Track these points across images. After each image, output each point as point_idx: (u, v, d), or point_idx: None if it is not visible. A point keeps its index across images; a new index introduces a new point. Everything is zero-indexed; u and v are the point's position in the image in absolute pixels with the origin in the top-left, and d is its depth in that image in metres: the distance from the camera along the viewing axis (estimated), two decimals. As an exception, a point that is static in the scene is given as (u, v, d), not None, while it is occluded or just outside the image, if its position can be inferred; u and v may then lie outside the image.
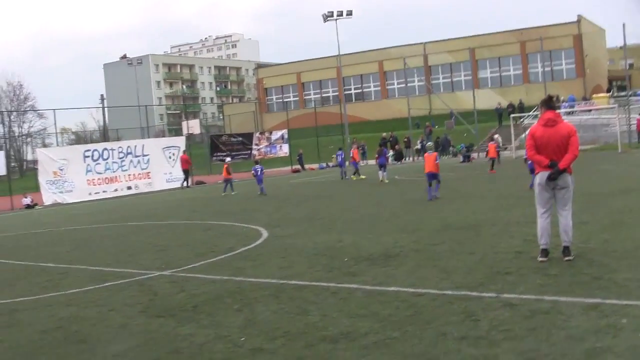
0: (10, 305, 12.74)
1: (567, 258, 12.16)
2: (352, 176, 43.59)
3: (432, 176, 26.11)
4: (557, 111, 12.86)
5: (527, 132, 53.31)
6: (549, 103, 12.74)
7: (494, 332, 8.26)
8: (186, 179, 52.19)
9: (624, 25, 59.66)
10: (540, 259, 12.29)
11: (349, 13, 73.84)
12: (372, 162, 49.53)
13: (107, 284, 13.91)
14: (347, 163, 46.75)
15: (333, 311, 10.03)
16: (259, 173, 37.73)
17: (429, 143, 31.93)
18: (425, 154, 27.61)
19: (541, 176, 12.37)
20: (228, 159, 44.82)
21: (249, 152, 60.68)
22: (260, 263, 14.81)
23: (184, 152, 53.30)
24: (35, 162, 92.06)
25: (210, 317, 10.42)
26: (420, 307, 9.83)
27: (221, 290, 12.27)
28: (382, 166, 38.75)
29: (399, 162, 64.87)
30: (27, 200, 46.26)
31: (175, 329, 9.91)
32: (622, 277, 10.58)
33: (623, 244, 13.53)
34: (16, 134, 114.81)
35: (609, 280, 10.49)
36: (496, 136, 47.70)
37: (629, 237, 14.28)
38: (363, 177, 42.99)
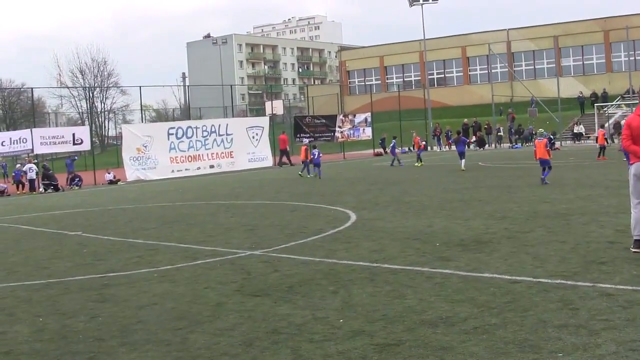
0: (102, 280, 12.90)
1: (659, 250, 12.15)
2: (415, 164, 43.43)
3: (544, 162, 26.90)
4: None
5: (609, 122, 52.83)
6: (647, 94, 12.67)
7: (593, 322, 8.32)
8: (287, 156, 54.78)
9: None
10: (634, 249, 12.26)
11: (436, -1, 73.59)
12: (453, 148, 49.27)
13: (198, 262, 14.12)
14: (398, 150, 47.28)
15: (430, 295, 10.15)
16: (316, 156, 38.19)
17: (540, 130, 31.88)
18: (536, 141, 28.39)
19: (636, 167, 12.30)
20: (306, 140, 44.91)
21: (332, 134, 60.71)
22: (352, 245, 14.94)
23: (283, 132, 55.93)
24: (116, 138, 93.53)
25: (306, 298, 10.54)
26: (516, 294, 9.92)
27: (315, 272, 12.42)
28: (461, 154, 37.92)
29: (482, 149, 64.47)
30: (109, 176, 46.97)
31: (272, 308, 10.02)
32: None
33: None
34: (98, 110, 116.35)
35: None
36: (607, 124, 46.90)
37: None
38: (420, 164, 43.34)
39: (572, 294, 9.74)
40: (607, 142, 45.09)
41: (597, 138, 43.55)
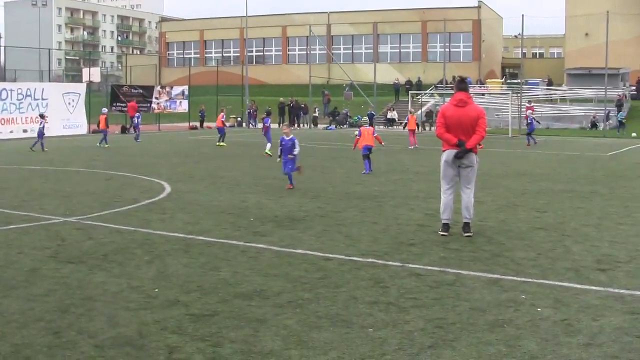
0: None
1: (467, 234, 12.69)
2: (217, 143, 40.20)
3: (368, 149, 25.34)
4: (468, 92, 13.26)
5: (422, 109, 54.16)
6: (462, 84, 13.14)
7: (402, 300, 8.68)
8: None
9: (522, 16, 61.14)
10: (442, 232, 12.80)
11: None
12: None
13: (11, 227, 13.83)
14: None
15: (244, 269, 10.31)
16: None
17: (365, 117, 31.05)
18: (362, 127, 26.49)
19: (448, 154, 12.83)
20: (105, 109, 43.89)
21: (149, 104, 60.03)
22: (167, 217, 14.95)
23: (134, 100, 56.00)
24: None
25: (121, 266, 10.54)
26: (329, 270, 10.20)
27: (129, 241, 12.40)
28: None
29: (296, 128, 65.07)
30: None
31: (87, 276, 9.98)
32: (518, 256, 11.19)
33: (518, 224, 14.22)
34: None
35: (507, 258, 11.09)
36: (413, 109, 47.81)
37: (524, 218, 14.99)
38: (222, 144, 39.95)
39: (383, 272, 10.09)
40: (418, 128, 46.39)
41: (406, 124, 44.71)
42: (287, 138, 20.34)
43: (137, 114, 46.97)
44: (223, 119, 40.75)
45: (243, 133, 53.93)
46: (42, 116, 38.47)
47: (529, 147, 39.53)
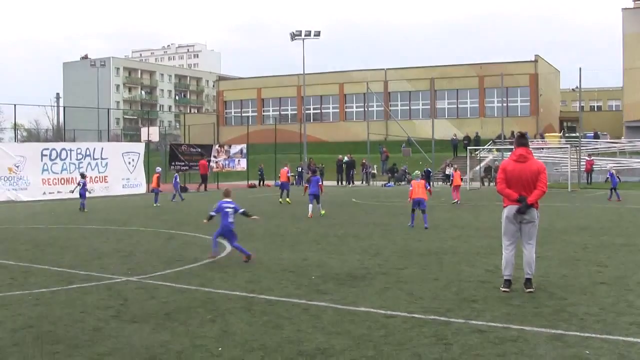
0: (-27, 301, 12.58)
1: (529, 290, 12.62)
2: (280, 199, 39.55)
3: (420, 202, 25.50)
4: (529, 148, 13.24)
5: (481, 165, 54.08)
6: (522, 140, 13.15)
7: (465, 356, 8.65)
8: (203, 182, 57.26)
9: (580, 69, 60.81)
10: (504, 289, 12.74)
11: (317, 34, 73.92)
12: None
13: (73, 286, 13.96)
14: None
15: (307, 327, 10.32)
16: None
17: (416, 171, 30.44)
18: (413, 181, 26.60)
19: (509, 209, 12.84)
20: (159, 168, 44.22)
21: (208, 163, 60.69)
22: (228, 275, 15.01)
23: (204, 158, 58.83)
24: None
25: (184, 325, 10.58)
26: (391, 328, 10.18)
27: (192, 300, 12.47)
28: (314, 197, 31.31)
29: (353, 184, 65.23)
30: (-22, 196, 45.85)
31: (151, 335, 10.04)
32: (581, 311, 11.10)
33: (580, 279, 14.10)
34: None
35: (570, 313, 10.99)
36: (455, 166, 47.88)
37: (585, 273, 14.85)
38: (288, 200, 39.01)
39: (446, 329, 10.06)
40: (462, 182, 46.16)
41: (452, 179, 44.75)
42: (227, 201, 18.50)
43: (175, 174, 47.75)
44: (289, 174, 40.97)
45: (301, 191, 53.99)
46: (82, 176, 38.86)
47: (611, 201, 38.90)
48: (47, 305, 12.26)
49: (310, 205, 31.01)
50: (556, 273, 14.81)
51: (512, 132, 64.49)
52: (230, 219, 17.89)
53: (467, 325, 10.24)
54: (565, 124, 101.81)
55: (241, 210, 18.28)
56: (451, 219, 28.94)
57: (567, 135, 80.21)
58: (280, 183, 38.39)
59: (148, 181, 53.59)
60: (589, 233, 22.92)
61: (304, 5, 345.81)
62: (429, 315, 10.98)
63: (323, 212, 30.65)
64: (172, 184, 45.75)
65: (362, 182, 68.97)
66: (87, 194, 37.04)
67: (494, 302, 11.86)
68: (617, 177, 42.09)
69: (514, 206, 12.74)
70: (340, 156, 69.75)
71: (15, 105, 51.55)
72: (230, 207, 17.96)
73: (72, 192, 43.71)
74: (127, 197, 49.32)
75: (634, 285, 13.50)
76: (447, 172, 67.21)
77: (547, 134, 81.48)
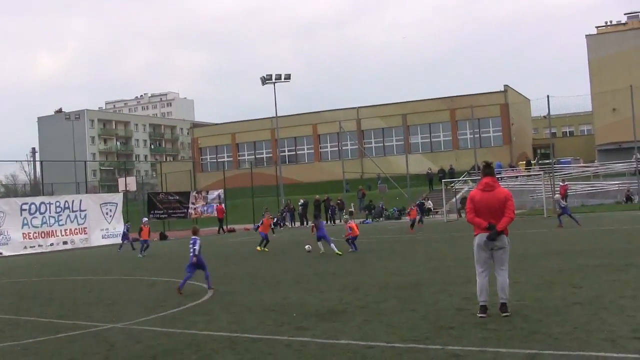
0: (-39, 355, 12.77)
1: (504, 314, 12.94)
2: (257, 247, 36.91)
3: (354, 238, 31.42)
4: (495, 177, 13.63)
5: (457, 197, 54.68)
6: (487, 169, 13.53)
7: (442, 379, 8.97)
8: (221, 226, 60.15)
9: (547, 97, 61.65)
10: (480, 314, 13.06)
11: (287, 77, 74.68)
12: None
13: (61, 335, 14.15)
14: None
15: (289, 362, 10.61)
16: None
17: (350, 209, 33.26)
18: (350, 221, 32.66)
19: (480, 237, 13.22)
20: (145, 219, 43.88)
21: (186, 210, 61.01)
22: (211, 317, 15.23)
23: (220, 203, 62.50)
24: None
25: (169, 367, 10.82)
26: (371, 358, 10.49)
27: (177, 342, 12.69)
28: (322, 238, 31.98)
29: (333, 223, 65.47)
30: (-41, 252, 45.96)
31: (138, 378, 10.29)
32: (556, 331, 11.42)
33: (554, 301, 14.42)
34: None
35: (544, 334, 11.31)
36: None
37: (559, 295, 15.18)
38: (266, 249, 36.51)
39: (424, 356, 10.38)
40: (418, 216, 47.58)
41: (409, 212, 46.95)
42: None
43: (126, 225, 48.14)
44: (272, 226, 41.23)
45: (279, 233, 54.23)
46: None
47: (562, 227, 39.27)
48: (36, 354, 12.47)
49: (319, 243, 31.88)
50: (531, 296, 15.15)
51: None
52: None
53: (444, 351, 10.53)
54: (538, 151, 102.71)
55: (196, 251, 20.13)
56: (428, 252, 29.29)
57: (540, 162, 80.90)
58: (263, 234, 36.80)
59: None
60: (564, 257, 23.30)
61: (274, 48, 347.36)
62: (407, 343, 11.27)
63: (338, 252, 30.14)
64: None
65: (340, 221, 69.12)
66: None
67: (471, 328, 12.16)
68: (563, 204, 42.28)
69: (484, 234, 13.11)
70: (317, 196, 70.03)
71: (-10, 161, 51.88)
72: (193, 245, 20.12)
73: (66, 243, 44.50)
74: (107, 247, 49.46)
75: (607, 303, 13.84)
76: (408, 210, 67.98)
77: (520, 162, 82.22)
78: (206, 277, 20.33)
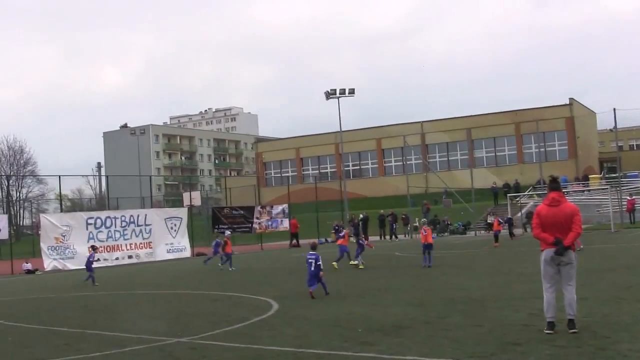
0: (30, 368, 12.77)
1: (572, 330, 12.78)
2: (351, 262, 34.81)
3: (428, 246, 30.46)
4: (561, 191, 13.51)
5: (522, 211, 54.32)
6: (553, 184, 13.41)
7: (509, 396, 8.88)
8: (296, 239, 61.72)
9: (614, 110, 60.98)
10: (547, 331, 12.91)
11: (352, 92, 74.53)
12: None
13: (127, 349, 14.22)
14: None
15: (355, 377, 10.58)
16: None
17: (424, 219, 33.10)
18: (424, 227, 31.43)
19: (547, 253, 13.10)
20: (228, 232, 44.72)
21: (250, 225, 61.22)
22: (276, 332, 15.23)
23: (288, 217, 64.16)
24: (30, 227, 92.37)
25: (235, 381, 10.86)
26: (438, 374, 10.44)
27: (242, 357, 12.72)
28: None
29: (396, 239, 65.30)
30: (27, 266, 46.47)
31: (205, 392, 10.31)
32: (624, 348, 11.25)
33: (622, 317, 14.24)
34: (14, 199, 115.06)
35: (614, 350, 11.15)
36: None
37: (628, 311, 14.98)
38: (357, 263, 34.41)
39: (490, 372, 10.27)
40: (503, 228, 47.15)
41: (492, 225, 46.30)
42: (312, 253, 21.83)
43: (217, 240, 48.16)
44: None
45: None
46: (93, 248, 36.41)
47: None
48: (103, 369, 12.47)
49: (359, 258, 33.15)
50: (599, 313, 14.96)
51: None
52: (312, 267, 21.41)
53: (510, 368, 10.46)
54: (605, 164, 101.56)
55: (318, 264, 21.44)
56: (494, 265, 29.10)
57: (606, 176, 80.00)
58: (344, 246, 35.41)
59: (192, 245, 54.25)
60: (633, 272, 23.01)
61: (338, 62, 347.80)
62: (473, 359, 11.21)
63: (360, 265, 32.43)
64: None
65: (405, 236, 68.85)
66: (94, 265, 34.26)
67: (538, 344, 12.02)
68: None
69: (551, 249, 12.99)
70: (382, 211, 69.86)
71: (60, 176, 52.53)
72: (312, 258, 21.49)
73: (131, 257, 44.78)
74: (172, 261, 49.81)
75: (678, 320, 13.65)
76: (488, 221, 67.26)
77: (591, 176, 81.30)
78: (323, 285, 21.78)
